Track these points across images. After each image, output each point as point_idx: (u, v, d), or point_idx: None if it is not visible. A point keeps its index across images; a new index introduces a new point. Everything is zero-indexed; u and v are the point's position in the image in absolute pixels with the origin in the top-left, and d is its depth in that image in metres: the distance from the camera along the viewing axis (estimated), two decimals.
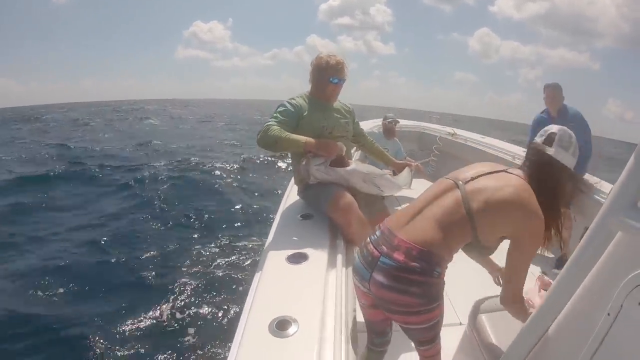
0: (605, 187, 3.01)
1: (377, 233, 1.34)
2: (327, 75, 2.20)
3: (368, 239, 1.36)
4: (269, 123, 2.07)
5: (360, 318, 1.57)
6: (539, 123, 3.28)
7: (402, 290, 1.23)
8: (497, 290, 2.53)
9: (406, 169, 2.68)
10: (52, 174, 8.72)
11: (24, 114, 39.80)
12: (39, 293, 3.99)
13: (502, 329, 1.52)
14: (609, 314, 0.84)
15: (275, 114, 2.14)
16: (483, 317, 1.59)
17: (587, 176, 3.13)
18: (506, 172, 1.34)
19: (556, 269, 2.97)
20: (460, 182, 1.30)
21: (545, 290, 1.43)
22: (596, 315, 0.86)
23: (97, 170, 9.39)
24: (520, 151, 4.18)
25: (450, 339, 2.02)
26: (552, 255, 3.10)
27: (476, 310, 1.64)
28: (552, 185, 1.31)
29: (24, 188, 7.68)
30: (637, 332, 0.80)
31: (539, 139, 1.37)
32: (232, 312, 3.66)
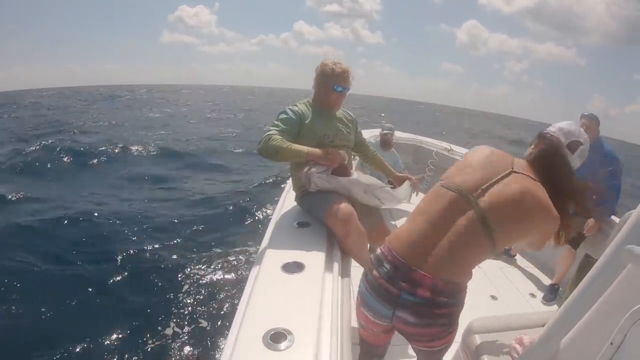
0: (614, 218, 3.02)
1: (387, 266, 1.25)
2: (331, 83, 2.18)
3: (376, 272, 1.28)
4: (269, 132, 2.04)
5: (356, 334, 1.55)
6: None
7: (430, 324, 1.21)
8: (491, 311, 2.55)
9: (406, 182, 2.66)
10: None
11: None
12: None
13: (495, 350, 1.52)
14: (611, 343, 0.83)
15: (276, 122, 2.11)
16: (477, 338, 1.58)
17: (614, 218, 3.05)
18: (514, 171, 1.26)
19: (546, 297, 2.99)
20: (472, 197, 1.21)
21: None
22: (599, 343, 0.86)
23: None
24: None
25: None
26: (547, 285, 3.13)
27: (470, 330, 1.63)
28: (562, 177, 1.32)
29: None
30: None
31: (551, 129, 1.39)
32: (223, 322, 3.55)
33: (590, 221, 2.95)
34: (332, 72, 2.17)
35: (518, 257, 3.46)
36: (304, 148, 2.04)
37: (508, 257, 3.36)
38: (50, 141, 11.18)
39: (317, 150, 2.05)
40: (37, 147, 10.43)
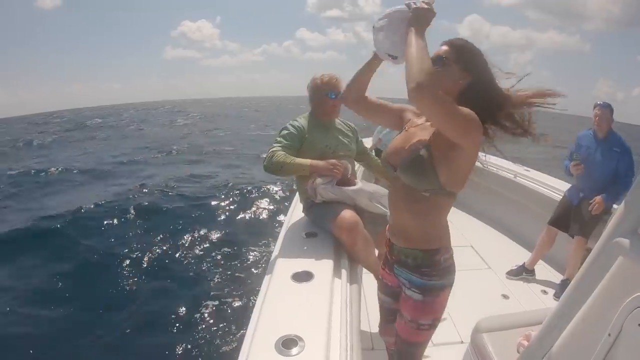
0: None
1: None
2: (323, 92, 2.25)
3: None
4: (273, 149, 2.13)
5: (365, 340, 1.60)
6: (583, 139, 3.24)
7: None
8: (503, 310, 2.57)
9: None
10: None
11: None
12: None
13: (504, 348, 1.54)
14: (609, 335, 0.86)
15: (279, 138, 2.19)
16: (485, 337, 1.60)
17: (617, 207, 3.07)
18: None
19: (557, 294, 2.98)
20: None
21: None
22: (597, 335, 0.89)
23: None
24: (522, 169, 4.22)
25: (451, 356, 2.04)
26: (558, 282, 3.13)
27: (478, 330, 1.66)
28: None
29: None
30: (636, 352, 0.83)
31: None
32: (236, 329, 3.62)
33: (598, 199, 2.95)
34: (322, 82, 2.26)
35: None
36: (307, 161, 2.10)
37: (527, 274, 3.25)
38: None
39: (319, 162, 2.11)
40: None
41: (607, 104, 3.10)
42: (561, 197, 3.37)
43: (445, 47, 1.30)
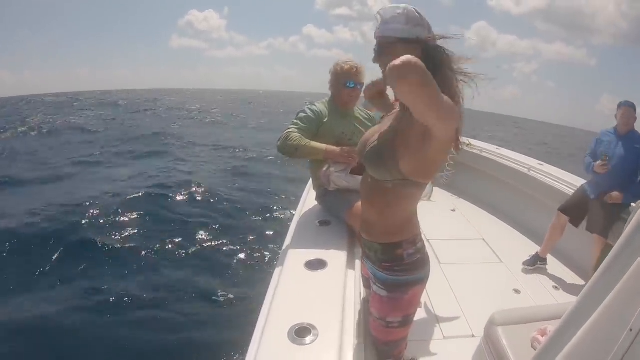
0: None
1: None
2: (342, 80, 2.23)
3: None
4: (289, 130, 2.11)
5: None
6: (604, 136, 3.26)
7: None
8: (514, 304, 2.55)
9: None
10: None
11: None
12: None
13: (518, 342, 1.52)
14: (631, 330, 0.84)
15: (295, 120, 2.18)
16: (499, 330, 1.59)
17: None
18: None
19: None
20: None
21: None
22: (618, 330, 0.87)
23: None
24: (536, 163, 4.17)
25: (463, 350, 2.03)
26: (569, 278, 3.12)
27: (492, 323, 1.64)
28: None
29: None
30: None
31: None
32: (249, 318, 3.57)
33: (615, 193, 2.98)
34: (342, 70, 2.23)
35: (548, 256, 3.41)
36: (322, 145, 2.09)
37: (541, 263, 3.27)
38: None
39: (335, 148, 2.10)
40: None
41: (632, 103, 3.11)
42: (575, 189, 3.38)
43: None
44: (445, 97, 1.05)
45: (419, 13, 1.20)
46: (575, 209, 3.23)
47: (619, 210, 2.98)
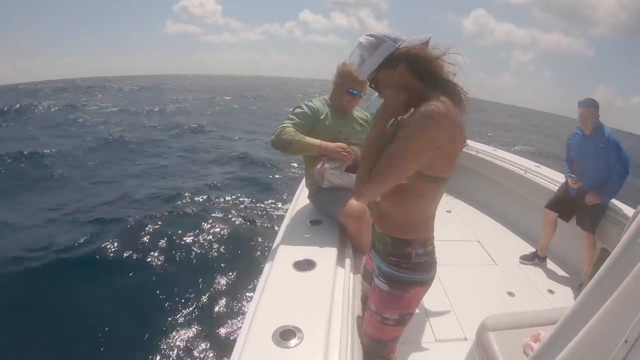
0: (628, 210, 2.96)
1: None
2: (347, 85, 2.19)
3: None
4: (284, 125, 2.08)
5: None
6: (572, 139, 3.28)
7: None
8: (507, 308, 2.53)
9: None
10: None
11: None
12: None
13: (510, 348, 1.50)
14: (626, 341, 0.81)
15: (291, 116, 2.14)
16: (491, 335, 1.56)
17: (615, 201, 3.11)
18: None
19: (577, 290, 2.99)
20: None
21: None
22: (613, 341, 0.83)
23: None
24: (532, 164, 4.14)
25: (455, 353, 2.01)
26: (565, 281, 3.13)
27: (484, 328, 1.61)
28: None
29: None
30: None
31: None
32: (235, 320, 3.56)
33: (590, 194, 3.02)
34: (350, 75, 2.16)
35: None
36: (317, 141, 2.05)
37: (539, 260, 3.32)
38: None
39: (329, 144, 2.06)
40: None
41: (591, 101, 3.03)
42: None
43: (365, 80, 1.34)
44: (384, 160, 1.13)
45: (373, 35, 1.25)
46: (561, 205, 3.27)
47: (603, 208, 3.03)
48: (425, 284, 1.31)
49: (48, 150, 9.87)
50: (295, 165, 9.36)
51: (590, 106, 3.01)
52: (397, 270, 1.27)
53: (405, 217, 1.26)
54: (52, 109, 20.31)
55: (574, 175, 3.15)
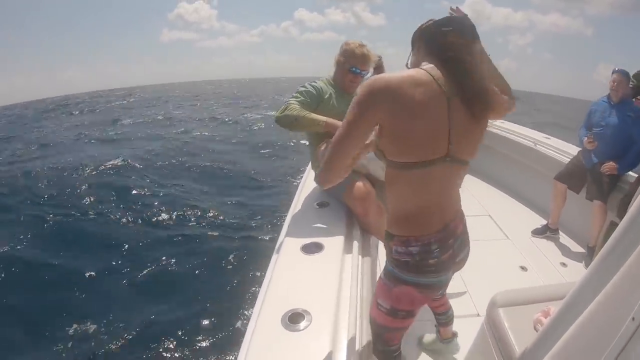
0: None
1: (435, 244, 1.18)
2: (349, 64, 2.17)
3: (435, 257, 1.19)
4: (289, 101, 2.07)
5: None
6: (597, 105, 3.23)
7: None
8: (520, 283, 2.51)
9: None
10: None
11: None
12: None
13: (520, 324, 1.49)
14: (633, 319, 0.80)
15: (296, 94, 2.13)
16: (501, 311, 1.56)
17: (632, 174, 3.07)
18: None
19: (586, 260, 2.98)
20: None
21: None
22: (620, 318, 0.82)
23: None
24: (542, 136, 4.06)
25: (467, 329, 2.01)
26: (578, 254, 3.08)
27: (494, 304, 1.61)
28: None
29: None
30: None
31: None
32: (245, 303, 3.61)
33: (610, 164, 2.96)
34: (352, 53, 2.16)
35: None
36: (322, 117, 2.04)
37: (551, 233, 3.30)
38: None
39: (336, 121, 2.04)
40: None
41: (626, 71, 3.05)
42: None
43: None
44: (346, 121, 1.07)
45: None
46: (571, 177, 3.24)
47: (616, 179, 3.00)
48: (415, 285, 1.19)
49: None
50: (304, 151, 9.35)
51: (624, 75, 3.03)
52: (388, 261, 1.24)
53: (391, 208, 1.21)
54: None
55: (591, 135, 3.09)
